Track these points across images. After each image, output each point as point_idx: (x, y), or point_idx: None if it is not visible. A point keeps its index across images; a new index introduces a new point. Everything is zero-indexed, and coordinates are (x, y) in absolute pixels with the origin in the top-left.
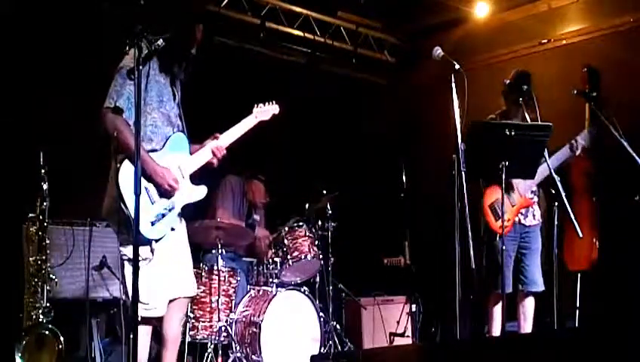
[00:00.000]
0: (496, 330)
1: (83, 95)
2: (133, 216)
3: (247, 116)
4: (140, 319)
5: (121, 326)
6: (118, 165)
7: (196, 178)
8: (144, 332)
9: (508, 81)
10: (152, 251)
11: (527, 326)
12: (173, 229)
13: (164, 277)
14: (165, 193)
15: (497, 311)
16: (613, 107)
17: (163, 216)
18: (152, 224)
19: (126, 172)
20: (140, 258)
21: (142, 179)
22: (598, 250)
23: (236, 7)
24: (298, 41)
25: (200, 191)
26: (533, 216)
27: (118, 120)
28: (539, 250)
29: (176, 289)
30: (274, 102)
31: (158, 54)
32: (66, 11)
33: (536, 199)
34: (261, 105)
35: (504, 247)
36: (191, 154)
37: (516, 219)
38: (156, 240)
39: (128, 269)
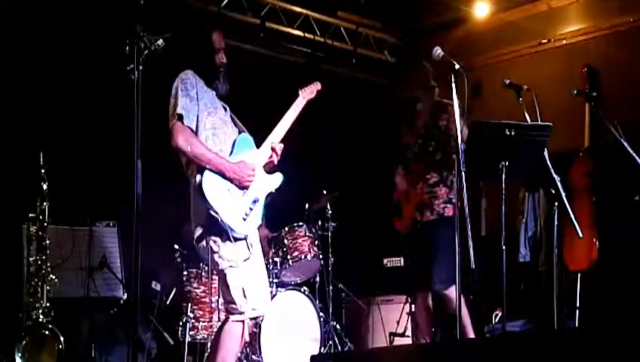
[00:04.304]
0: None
1: (83, 95)
2: (226, 220)
3: (294, 101)
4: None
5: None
6: (198, 178)
7: None
8: (241, 331)
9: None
10: (249, 247)
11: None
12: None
13: (263, 272)
14: (246, 187)
15: (420, 313)
16: (613, 107)
17: (251, 210)
18: (244, 220)
19: (208, 181)
20: (237, 262)
21: (222, 179)
22: (598, 249)
23: (236, 7)
24: (298, 41)
25: (277, 178)
26: (432, 211)
27: (187, 132)
28: (435, 247)
29: None
30: (317, 82)
31: (193, 69)
32: (66, 11)
33: (444, 192)
34: (305, 88)
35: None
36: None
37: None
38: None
39: (231, 276)
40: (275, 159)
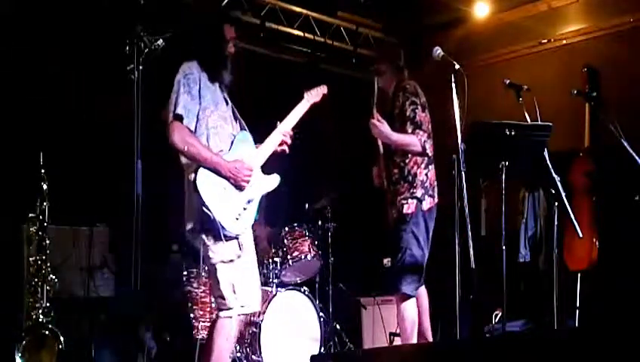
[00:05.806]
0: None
1: (83, 95)
2: (219, 219)
3: (298, 103)
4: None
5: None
6: (192, 176)
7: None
8: (231, 327)
9: None
10: (240, 246)
11: (405, 335)
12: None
13: (255, 271)
14: (241, 186)
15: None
16: (613, 107)
17: (244, 209)
18: (237, 219)
19: (203, 179)
20: (228, 258)
21: (219, 178)
22: (598, 249)
23: (236, 7)
24: (298, 41)
25: (273, 180)
26: (395, 209)
27: (185, 132)
28: (399, 250)
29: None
30: (324, 85)
31: (198, 61)
32: (66, 11)
33: (405, 188)
34: (311, 90)
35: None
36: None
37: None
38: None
39: (222, 270)
40: (287, 148)
